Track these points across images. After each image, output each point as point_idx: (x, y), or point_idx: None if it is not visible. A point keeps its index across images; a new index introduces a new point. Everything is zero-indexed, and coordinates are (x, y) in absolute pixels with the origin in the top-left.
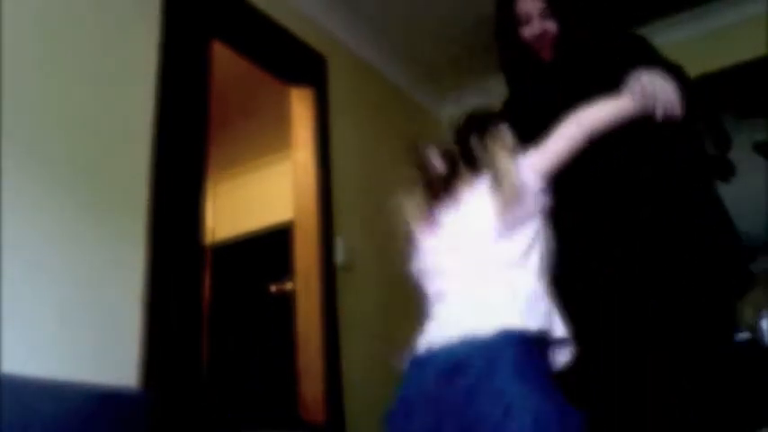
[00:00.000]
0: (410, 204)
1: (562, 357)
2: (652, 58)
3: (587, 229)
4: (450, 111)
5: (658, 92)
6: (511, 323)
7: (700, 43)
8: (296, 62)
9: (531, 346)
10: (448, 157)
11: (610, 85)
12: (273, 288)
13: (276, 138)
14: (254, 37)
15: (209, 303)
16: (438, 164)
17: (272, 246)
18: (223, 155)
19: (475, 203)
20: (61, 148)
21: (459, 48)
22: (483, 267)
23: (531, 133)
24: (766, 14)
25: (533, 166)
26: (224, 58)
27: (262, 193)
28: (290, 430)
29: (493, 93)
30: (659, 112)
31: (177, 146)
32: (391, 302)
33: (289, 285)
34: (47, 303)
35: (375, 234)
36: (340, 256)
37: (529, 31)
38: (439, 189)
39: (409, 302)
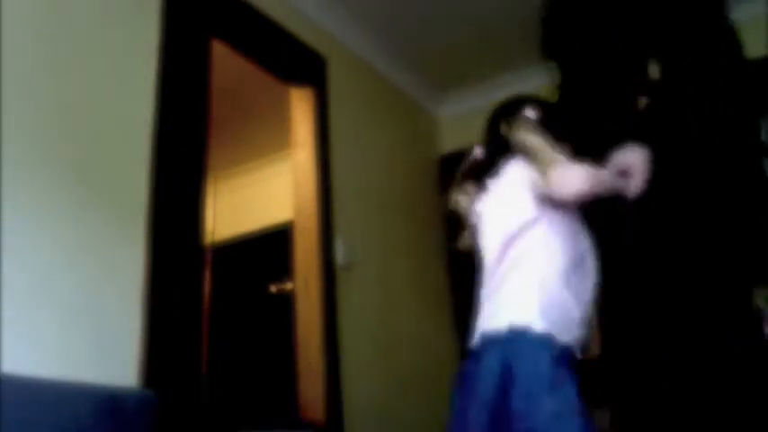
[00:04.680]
0: (461, 195)
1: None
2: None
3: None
4: (450, 111)
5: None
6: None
7: None
8: (296, 62)
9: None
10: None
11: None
12: (273, 288)
13: (276, 138)
14: (254, 37)
15: (209, 303)
16: (479, 152)
17: (272, 246)
18: (223, 155)
19: (503, 185)
20: (61, 148)
21: (459, 48)
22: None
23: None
24: (766, 14)
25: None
26: (224, 58)
27: (262, 193)
28: (290, 430)
29: (493, 93)
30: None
31: (177, 146)
32: (391, 302)
33: (289, 285)
34: (47, 304)
35: (375, 234)
36: (340, 256)
37: None
38: (479, 174)
39: (409, 302)
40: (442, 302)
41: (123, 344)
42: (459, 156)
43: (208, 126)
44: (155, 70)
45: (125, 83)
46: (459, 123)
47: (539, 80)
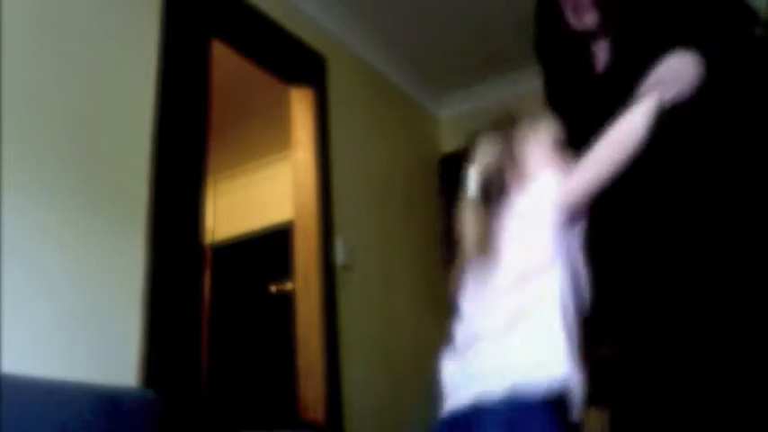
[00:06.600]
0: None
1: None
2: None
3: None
4: (449, 111)
5: (672, 80)
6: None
7: None
8: (296, 62)
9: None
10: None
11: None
12: (273, 288)
13: (276, 138)
14: (254, 37)
15: (210, 303)
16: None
17: (272, 246)
18: (223, 155)
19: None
20: (61, 148)
21: (459, 49)
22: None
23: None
24: (766, 6)
25: (569, 193)
26: (224, 58)
27: (262, 193)
28: (290, 430)
29: (493, 93)
30: (667, 99)
31: (177, 146)
32: (391, 302)
33: (289, 285)
34: (47, 303)
35: (375, 234)
36: (340, 256)
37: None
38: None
39: (409, 302)
40: (443, 302)
41: (123, 344)
42: (460, 156)
43: (208, 126)
44: (155, 70)
45: (125, 83)
46: (459, 124)
47: (538, 81)
